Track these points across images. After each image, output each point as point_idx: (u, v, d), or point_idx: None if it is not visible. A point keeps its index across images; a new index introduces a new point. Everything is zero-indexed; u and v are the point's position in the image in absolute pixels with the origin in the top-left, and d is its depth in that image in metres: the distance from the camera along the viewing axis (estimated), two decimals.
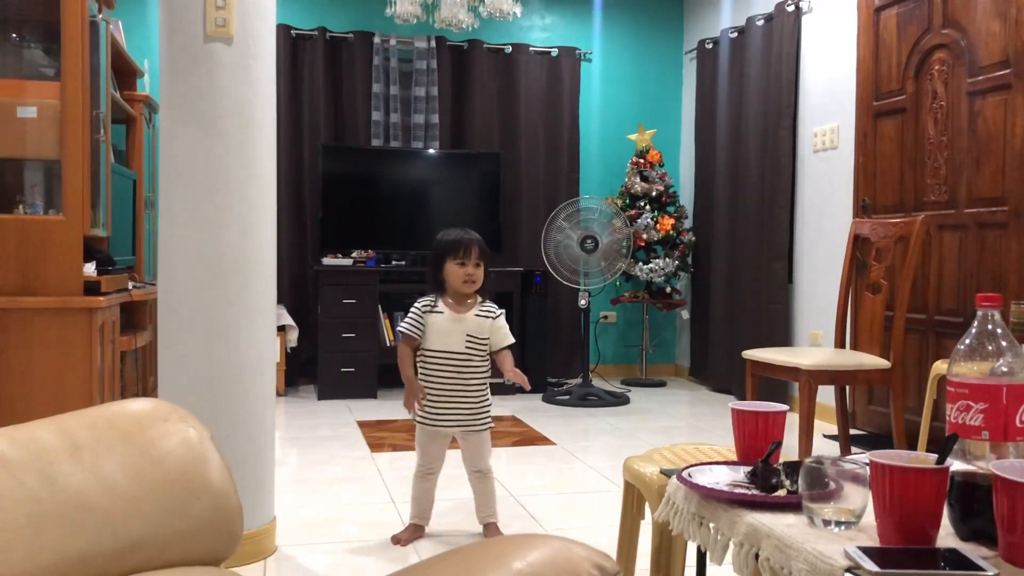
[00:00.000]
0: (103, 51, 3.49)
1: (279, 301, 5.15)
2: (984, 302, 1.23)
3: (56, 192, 3.22)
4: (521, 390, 5.43)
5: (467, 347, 2.65)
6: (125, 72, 4.53)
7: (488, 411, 2.72)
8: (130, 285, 3.82)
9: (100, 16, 3.44)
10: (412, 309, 2.69)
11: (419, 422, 2.70)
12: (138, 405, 1.36)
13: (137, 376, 4.05)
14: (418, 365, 2.71)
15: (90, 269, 3.23)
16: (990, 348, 1.22)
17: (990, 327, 1.22)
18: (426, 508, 2.75)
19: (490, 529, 2.76)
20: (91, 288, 3.15)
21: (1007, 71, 3.48)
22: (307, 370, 5.55)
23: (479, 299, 2.71)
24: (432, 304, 2.68)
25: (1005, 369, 1.19)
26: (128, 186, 4.35)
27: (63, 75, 3.13)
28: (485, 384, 2.72)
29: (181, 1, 2.44)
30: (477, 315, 2.68)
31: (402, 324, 2.71)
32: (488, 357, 2.71)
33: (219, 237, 2.46)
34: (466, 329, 2.65)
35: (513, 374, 2.65)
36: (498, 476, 3.21)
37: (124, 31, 4.67)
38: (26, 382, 3.02)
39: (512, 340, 2.73)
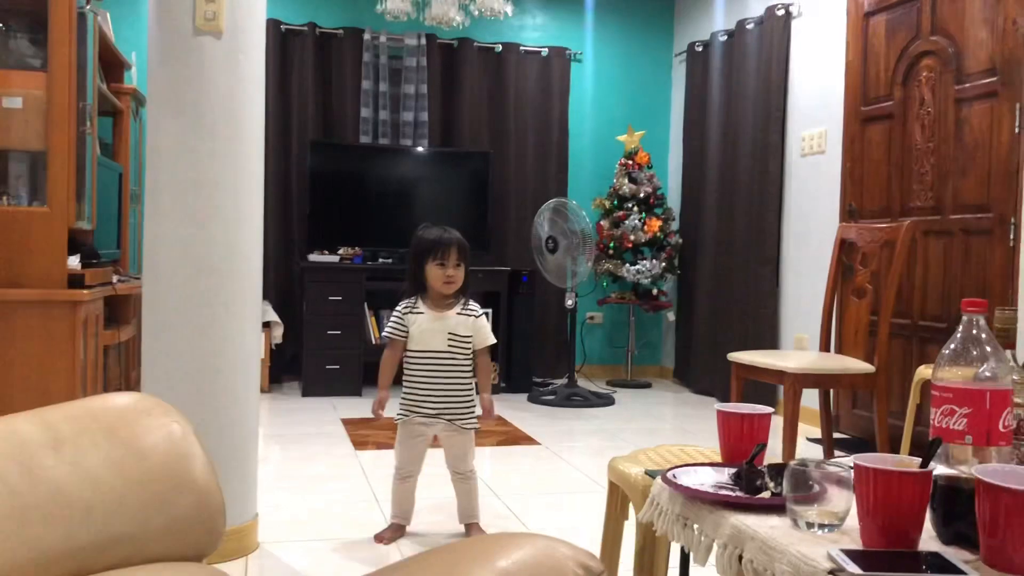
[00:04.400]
0: (91, 43, 3.46)
1: (264, 297, 5.13)
2: (969, 307, 1.24)
3: (41, 184, 3.19)
4: (505, 390, 5.45)
5: (449, 346, 2.65)
6: (113, 64, 4.50)
7: (473, 411, 2.71)
8: (114, 279, 3.79)
9: (88, 7, 3.41)
10: (394, 312, 2.71)
11: (401, 418, 2.69)
12: (121, 399, 1.35)
13: (120, 370, 4.02)
14: (403, 366, 2.70)
15: (74, 262, 3.20)
16: (975, 353, 1.22)
17: (975, 332, 1.23)
18: (407, 509, 2.74)
19: (472, 529, 2.76)
20: (75, 281, 3.13)
21: (994, 79, 3.50)
22: (292, 367, 5.52)
23: (462, 299, 2.71)
24: (412, 305, 2.69)
25: (989, 374, 1.20)
26: (114, 179, 4.32)
27: (50, 66, 3.10)
28: (470, 384, 2.71)
29: None
30: (459, 314, 2.68)
31: (386, 329, 2.73)
32: (472, 357, 2.71)
33: (205, 232, 2.45)
34: (448, 328, 2.65)
35: (487, 417, 2.76)
36: (482, 476, 3.21)
37: (112, 23, 4.64)
38: (8, 375, 2.99)
39: (493, 340, 2.74)
